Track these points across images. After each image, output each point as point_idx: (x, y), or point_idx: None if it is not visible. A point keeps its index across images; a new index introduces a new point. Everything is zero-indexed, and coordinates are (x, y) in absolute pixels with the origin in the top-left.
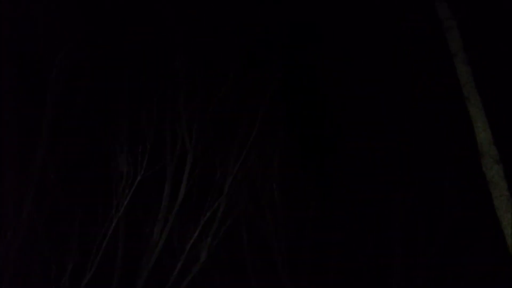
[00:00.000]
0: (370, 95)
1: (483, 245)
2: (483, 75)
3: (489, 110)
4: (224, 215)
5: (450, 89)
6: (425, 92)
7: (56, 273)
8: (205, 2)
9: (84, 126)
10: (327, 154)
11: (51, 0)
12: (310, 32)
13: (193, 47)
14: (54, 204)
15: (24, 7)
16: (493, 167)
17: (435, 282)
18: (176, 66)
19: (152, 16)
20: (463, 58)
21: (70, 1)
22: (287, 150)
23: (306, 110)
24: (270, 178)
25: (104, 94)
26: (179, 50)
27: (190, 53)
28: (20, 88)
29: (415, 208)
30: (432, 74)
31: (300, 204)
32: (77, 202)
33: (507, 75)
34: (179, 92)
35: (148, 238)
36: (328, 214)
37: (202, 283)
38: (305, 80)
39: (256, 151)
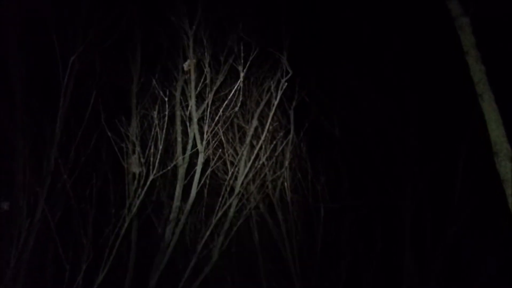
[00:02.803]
0: (378, 92)
1: (494, 246)
2: (496, 73)
3: (502, 108)
4: (236, 214)
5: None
6: (435, 88)
7: (70, 273)
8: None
9: (96, 127)
10: (335, 152)
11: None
12: (316, 30)
13: (201, 46)
14: (67, 205)
15: (33, 10)
16: (507, 165)
17: (445, 284)
18: (185, 66)
19: (158, 15)
20: (476, 56)
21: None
22: (297, 148)
23: (314, 108)
24: (281, 177)
25: (115, 95)
26: (187, 50)
27: (199, 53)
28: (33, 89)
29: (424, 208)
30: (443, 70)
31: (310, 204)
32: (90, 202)
33: None
34: (189, 92)
35: (160, 239)
36: (338, 213)
37: (214, 283)
38: (313, 78)
39: (267, 150)
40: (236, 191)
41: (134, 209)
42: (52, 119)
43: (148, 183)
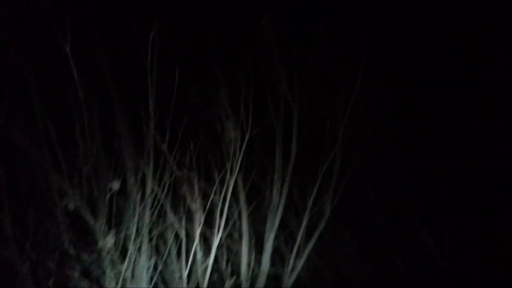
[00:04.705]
0: None
1: None
2: None
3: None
4: (342, 168)
5: None
6: None
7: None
8: None
9: (185, 99)
10: None
11: None
12: None
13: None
14: (173, 176)
15: None
16: None
17: None
18: (266, 23)
19: None
20: None
21: None
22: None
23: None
24: (383, 125)
25: (203, 61)
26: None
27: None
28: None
29: None
30: None
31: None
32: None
33: None
34: (274, 49)
35: (268, 201)
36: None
37: (330, 241)
38: None
39: (364, 95)
40: (338, 142)
41: (236, 172)
42: (144, 99)
43: (244, 144)
